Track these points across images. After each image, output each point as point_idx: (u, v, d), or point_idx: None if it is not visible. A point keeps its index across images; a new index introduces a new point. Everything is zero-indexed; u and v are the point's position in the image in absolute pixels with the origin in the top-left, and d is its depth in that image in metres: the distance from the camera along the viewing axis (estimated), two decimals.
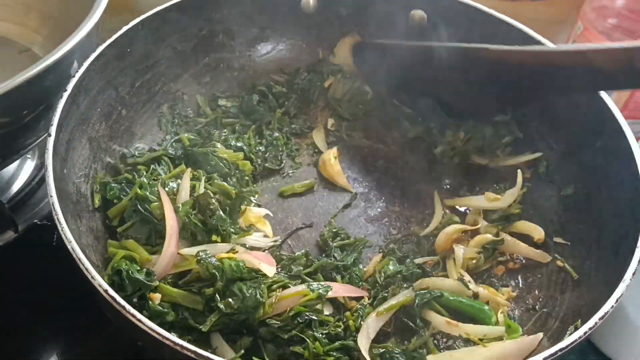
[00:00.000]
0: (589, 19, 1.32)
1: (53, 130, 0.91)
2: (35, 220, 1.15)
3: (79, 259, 0.76)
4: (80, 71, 1.01)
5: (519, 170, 1.14)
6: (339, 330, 0.89)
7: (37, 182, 1.22)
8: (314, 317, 0.89)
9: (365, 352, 0.87)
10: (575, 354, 0.97)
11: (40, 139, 1.09)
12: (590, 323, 0.78)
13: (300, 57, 1.36)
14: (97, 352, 1.10)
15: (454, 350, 0.94)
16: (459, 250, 1.07)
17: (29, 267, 1.13)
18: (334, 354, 0.86)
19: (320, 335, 0.87)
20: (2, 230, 1.13)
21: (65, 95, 0.96)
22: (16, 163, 1.23)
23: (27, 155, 1.26)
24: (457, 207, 1.19)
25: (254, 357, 0.85)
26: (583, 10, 1.35)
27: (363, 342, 0.88)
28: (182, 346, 0.69)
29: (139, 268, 0.89)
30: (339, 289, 0.95)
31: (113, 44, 1.08)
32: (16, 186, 1.22)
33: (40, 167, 1.25)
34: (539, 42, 1.14)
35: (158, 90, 1.22)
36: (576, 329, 0.88)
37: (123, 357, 1.06)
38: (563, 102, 1.16)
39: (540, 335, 0.92)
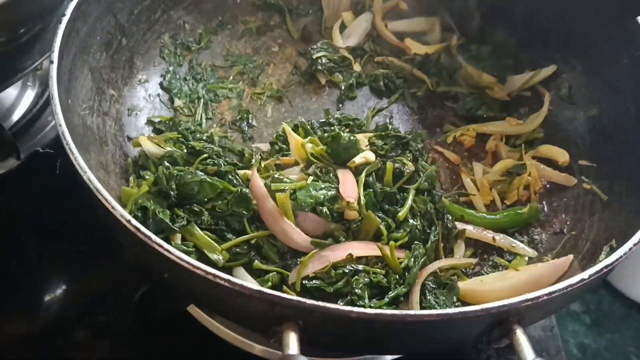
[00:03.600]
0: None
1: (55, 56, 0.85)
2: (37, 148, 1.12)
3: (97, 190, 0.72)
4: None
5: (546, 92, 1.10)
6: (382, 277, 0.86)
7: (38, 110, 1.18)
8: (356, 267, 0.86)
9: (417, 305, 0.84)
10: None
11: (37, 62, 1.05)
12: (635, 239, 0.75)
13: None
14: (105, 277, 1.09)
15: (484, 275, 0.91)
16: (478, 168, 1.05)
17: (33, 195, 1.11)
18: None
19: (363, 285, 0.84)
20: (4, 157, 1.08)
21: (65, 19, 0.90)
22: (16, 91, 1.19)
23: (28, 83, 1.21)
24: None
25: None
26: None
27: (414, 302, 0.85)
28: (214, 275, 0.65)
29: (164, 210, 0.86)
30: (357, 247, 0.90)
31: None
32: (17, 114, 1.19)
33: (41, 94, 1.21)
34: None
35: (158, 18, 1.15)
36: (611, 248, 0.86)
37: (130, 281, 1.04)
38: (585, 18, 1.11)
39: (571, 257, 0.90)
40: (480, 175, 1.05)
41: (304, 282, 0.85)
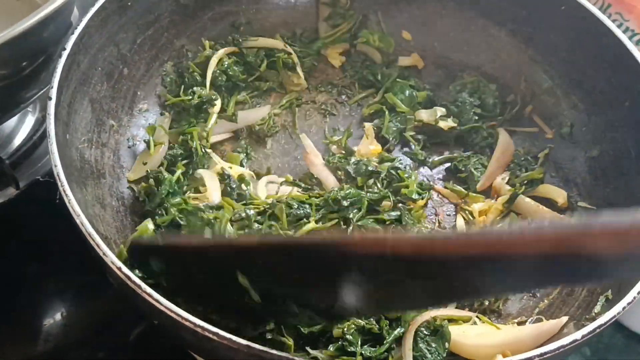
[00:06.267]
0: None
1: (53, 93, 0.85)
2: (37, 177, 1.11)
3: (89, 234, 0.72)
4: (80, 27, 0.94)
5: None
6: (374, 324, 0.84)
7: (38, 137, 1.17)
8: None
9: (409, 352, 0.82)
10: None
11: (41, 92, 1.04)
12: (628, 298, 0.74)
13: (309, 12, 1.28)
14: (102, 309, 1.08)
15: (475, 325, 0.90)
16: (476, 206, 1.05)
17: (32, 224, 1.10)
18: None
19: (354, 331, 0.83)
20: (3, 186, 1.08)
21: (65, 54, 0.90)
22: (16, 117, 1.17)
23: (28, 109, 1.20)
24: None
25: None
26: None
27: (407, 349, 0.83)
28: (202, 327, 0.65)
29: None
30: None
31: None
32: (17, 141, 1.17)
33: (42, 121, 1.19)
34: None
35: (161, 46, 1.15)
36: (607, 299, 0.86)
37: (128, 313, 1.02)
38: (588, 57, 1.10)
39: (564, 319, 0.87)
40: (477, 215, 1.04)
41: None
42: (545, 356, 0.67)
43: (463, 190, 1.07)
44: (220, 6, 1.22)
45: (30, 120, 1.20)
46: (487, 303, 0.94)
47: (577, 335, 0.70)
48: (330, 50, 1.28)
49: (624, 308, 0.73)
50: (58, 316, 1.07)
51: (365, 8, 1.28)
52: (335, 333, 0.84)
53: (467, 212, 1.05)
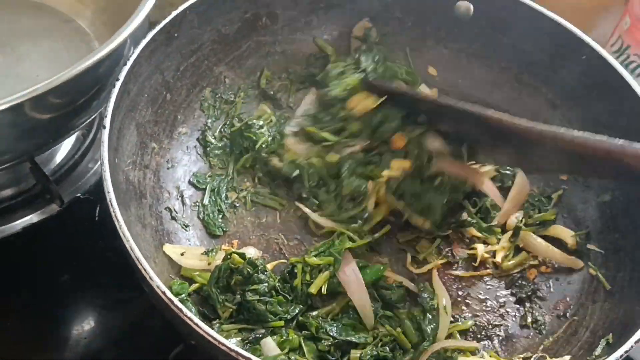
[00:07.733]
0: (637, 15, 1.29)
1: (107, 122, 0.92)
2: (78, 194, 1.18)
3: (137, 258, 0.79)
4: (132, 59, 1.01)
5: None
6: (388, 352, 0.92)
7: (79, 156, 1.23)
8: None
9: None
10: None
11: (91, 118, 1.11)
12: (626, 346, 0.80)
13: (342, 44, 1.35)
14: (135, 324, 1.13)
15: (482, 358, 0.97)
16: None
17: (72, 240, 1.16)
18: None
19: (370, 357, 0.91)
20: (47, 203, 1.15)
21: (118, 84, 0.97)
22: None
23: None
24: None
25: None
26: (631, 5, 1.31)
27: None
28: (237, 352, 0.72)
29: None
30: None
31: (162, 29, 1.08)
32: (58, 158, 1.24)
33: (82, 140, 1.26)
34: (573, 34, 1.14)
35: (201, 73, 1.22)
36: (608, 343, 0.91)
37: (161, 329, 1.08)
38: (605, 105, 1.15)
39: (566, 359, 0.93)
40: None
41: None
42: None
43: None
44: (258, 36, 1.28)
45: (70, 139, 1.26)
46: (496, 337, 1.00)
47: None
48: None
49: (621, 356, 0.79)
50: (93, 331, 1.11)
51: (394, 43, 1.34)
52: (353, 359, 0.91)
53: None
